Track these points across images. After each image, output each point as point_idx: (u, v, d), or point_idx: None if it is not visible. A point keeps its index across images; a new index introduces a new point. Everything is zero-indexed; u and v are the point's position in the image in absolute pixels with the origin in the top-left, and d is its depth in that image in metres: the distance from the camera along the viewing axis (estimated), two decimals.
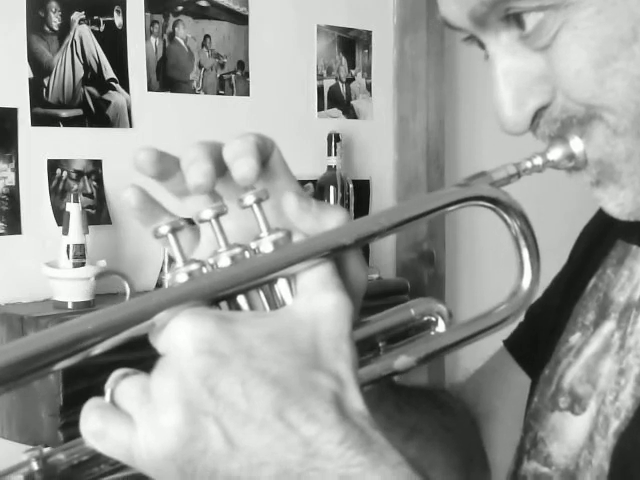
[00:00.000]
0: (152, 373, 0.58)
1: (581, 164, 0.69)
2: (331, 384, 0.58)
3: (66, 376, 1.65)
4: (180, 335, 0.58)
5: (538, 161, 0.70)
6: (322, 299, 0.61)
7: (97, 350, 0.58)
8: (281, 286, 0.62)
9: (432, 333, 0.73)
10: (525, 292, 0.71)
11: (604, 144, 0.68)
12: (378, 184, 2.52)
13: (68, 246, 1.85)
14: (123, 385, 0.59)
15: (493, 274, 2.56)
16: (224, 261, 0.61)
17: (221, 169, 0.64)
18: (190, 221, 0.65)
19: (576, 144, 0.69)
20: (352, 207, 2.32)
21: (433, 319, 0.73)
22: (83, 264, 1.86)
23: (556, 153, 0.69)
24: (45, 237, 1.93)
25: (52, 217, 1.94)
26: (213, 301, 0.60)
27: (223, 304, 0.61)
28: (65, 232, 1.86)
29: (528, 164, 0.70)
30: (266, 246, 0.61)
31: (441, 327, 0.73)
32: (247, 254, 0.61)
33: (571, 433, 0.77)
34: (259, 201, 0.61)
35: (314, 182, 2.34)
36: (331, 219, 0.64)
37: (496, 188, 0.69)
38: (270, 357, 0.58)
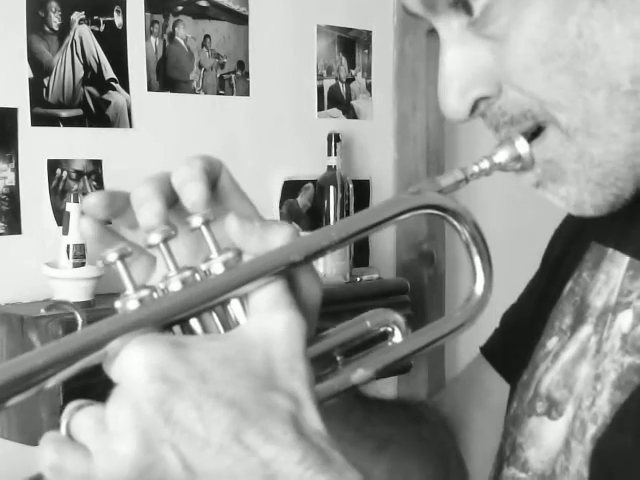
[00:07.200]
0: (107, 403, 0.58)
1: (528, 165, 0.69)
2: (287, 404, 0.59)
3: None
4: (132, 363, 0.58)
5: (485, 165, 0.70)
6: (273, 319, 0.61)
7: (51, 383, 0.57)
8: (234, 307, 0.62)
9: (389, 344, 0.72)
10: (478, 298, 0.71)
11: (558, 145, 0.68)
12: (378, 184, 2.51)
13: (68, 246, 1.85)
14: (78, 417, 0.59)
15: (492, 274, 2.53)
16: (175, 285, 0.60)
17: (172, 200, 0.64)
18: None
19: (521, 145, 0.68)
20: (352, 207, 2.30)
21: (389, 329, 0.73)
22: (83, 264, 1.86)
23: (502, 155, 0.69)
24: (45, 237, 1.93)
25: (52, 217, 1.94)
26: (166, 326, 0.60)
27: (177, 328, 0.61)
28: (65, 232, 1.86)
29: (475, 168, 0.70)
30: (217, 267, 0.61)
31: (397, 337, 0.72)
32: (198, 277, 0.61)
33: (548, 438, 0.76)
34: (207, 222, 0.61)
35: (314, 182, 2.33)
36: (276, 237, 0.63)
37: (444, 195, 0.68)
38: (224, 380, 0.58)
